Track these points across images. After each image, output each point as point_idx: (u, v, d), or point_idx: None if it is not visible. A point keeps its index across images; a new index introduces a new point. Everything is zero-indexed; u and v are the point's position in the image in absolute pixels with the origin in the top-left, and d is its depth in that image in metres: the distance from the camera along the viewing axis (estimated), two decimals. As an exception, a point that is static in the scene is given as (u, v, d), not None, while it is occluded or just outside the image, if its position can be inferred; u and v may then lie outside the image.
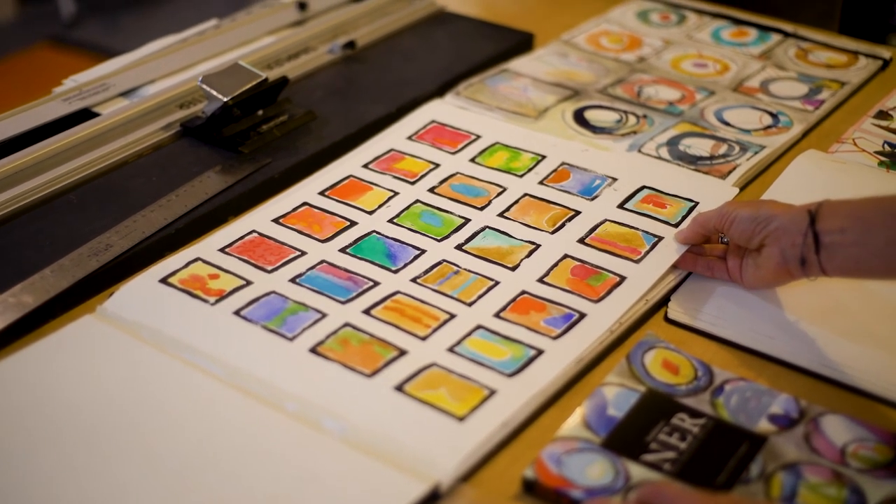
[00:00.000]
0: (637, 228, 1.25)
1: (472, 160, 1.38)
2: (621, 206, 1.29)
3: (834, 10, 1.99)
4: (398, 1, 1.82)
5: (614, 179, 1.33)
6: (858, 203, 1.05)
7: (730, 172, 1.36)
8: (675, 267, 1.19)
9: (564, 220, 1.26)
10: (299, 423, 0.99)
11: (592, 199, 1.30)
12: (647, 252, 1.21)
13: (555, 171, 1.36)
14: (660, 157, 1.40)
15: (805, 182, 1.34)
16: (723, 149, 1.42)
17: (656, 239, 1.23)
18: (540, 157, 1.38)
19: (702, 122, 1.49)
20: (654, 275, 1.17)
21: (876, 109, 1.52)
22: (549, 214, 1.27)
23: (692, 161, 1.39)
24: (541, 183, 1.34)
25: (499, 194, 1.32)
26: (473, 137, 1.43)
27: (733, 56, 1.69)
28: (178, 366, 1.05)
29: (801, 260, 1.06)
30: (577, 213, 1.28)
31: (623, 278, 1.17)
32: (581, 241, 1.23)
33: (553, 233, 1.24)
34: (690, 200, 1.29)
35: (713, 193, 1.30)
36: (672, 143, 1.43)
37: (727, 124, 1.49)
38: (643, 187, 1.32)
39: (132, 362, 1.06)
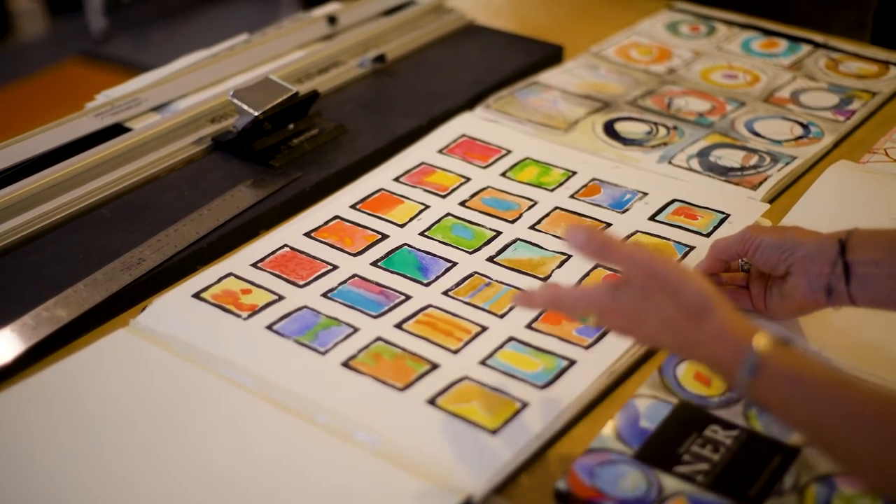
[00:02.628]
0: (669, 239, 1.25)
1: (503, 174, 1.39)
2: (652, 218, 1.29)
3: (866, 20, 1.98)
4: (428, 14, 1.83)
5: (645, 194, 1.33)
6: (892, 234, 1.02)
7: (761, 183, 1.36)
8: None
9: None
10: (332, 436, 0.99)
11: (623, 212, 1.30)
12: (680, 260, 1.21)
13: (585, 186, 1.36)
14: (690, 169, 1.40)
15: (836, 193, 1.33)
16: (754, 160, 1.42)
17: (688, 249, 1.23)
18: (570, 173, 1.38)
19: (732, 133, 1.49)
20: None
21: (908, 119, 1.52)
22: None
23: (723, 172, 1.39)
24: (572, 197, 1.34)
25: (529, 207, 1.32)
26: (504, 152, 1.43)
27: (763, 67, 1.69)
28: (210, 379, 1.06)
29: (827, 289, 1.03)
30: (609, 225, 1.28)
31: None
32: None
33: None
34: (721, 213, 1.29)
35: (743, 207, 1.30)
36: (703, 155, 1.43)
37: (758, 135, 1.49)
38: (674, 200, 1.32)
39: (165, 376, 1.07)
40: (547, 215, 1.30)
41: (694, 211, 1.30)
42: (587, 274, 1.20)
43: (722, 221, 1.27)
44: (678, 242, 1.24)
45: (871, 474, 0.86)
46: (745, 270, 1.15)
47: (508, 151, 1.43)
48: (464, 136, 1.47)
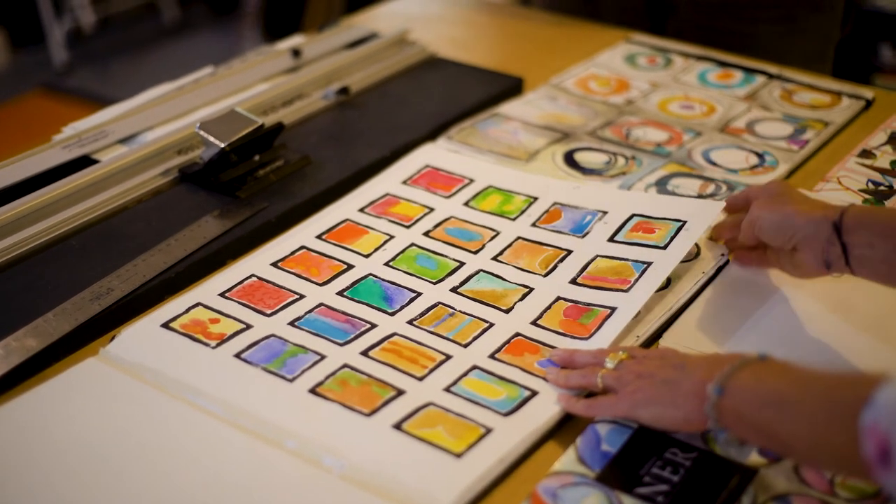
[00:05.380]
0: (627, 259, 1.27)
1: (466, 204, 1.41)
2: (611, 238, 1.31)
3: (826, 52, 2.02)
4: (390, 47, 1.85)
5: (605, 213, 1.36)
6: (883, 216, 1.11)
7: (717, 212, 1.39)
8: (661, 290, 1.22)
9: (556, 261, 1.29)
10: (300, 461, 1.00)
11: (584, 235, 1.32)
12: (637, 280, 1.23)
13: (546, 211, 1.38)
14: (649, 198, 1.43)
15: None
16: (710, 188, 1.45)
17: (645, 265, 1.25)
18: (532, 199, 1.41)
19: (689, 162, 1.52)
20: (643, 298, 1.20)
21: (859, 148, 1.55)
22: (542, 256, 1.30)
23: (681, 201, 1.42)
24: (533, 225, 1.36)
25: (492, 238, 1.34)
26: (467, 181, 1.45)
27: (719, 98, 1.72)
28: (180, 406, 1.07)
29: (827, 264, 1.13)
30: (569, 252, 1.30)
31: (613, 309, 1.19)
32: (573, 281, 1.25)
33: (546, 275, 1.26)
34: (678, 220, 1.31)
35: (700, 212, 1.32)
36: (661, 184, 1.46)
37: (714, 164, 1.52)
38: (632, 216, 1.34)
39: (135, 403, 1.08)
40: (509, 246, 1.33)
41: (651, 224, 1.32)
42: (548, 307, 1.22)
43: (679, 229, 1.29)
44: (636, 261, 1.26)
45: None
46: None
47: (471, 180, 1.46)
48: (427, 166, 1.49)
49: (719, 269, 1.29)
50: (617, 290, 1.22)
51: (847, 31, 2.05)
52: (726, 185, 1.45)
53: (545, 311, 1.21)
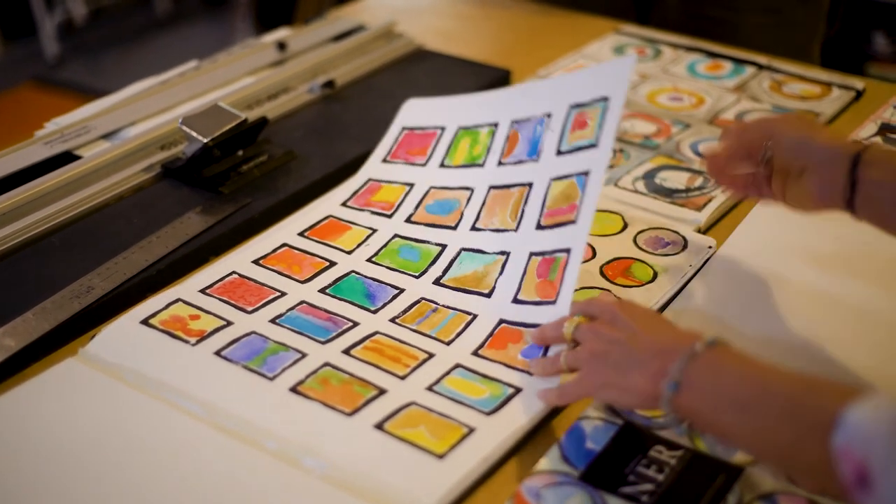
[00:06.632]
0: (571, 175, 1.23)
1: (442, 165, 1.40)
2: (559, 151, 1.27)
3: (811, 48, 2.01)
4: (377, 40, 1.84)
5: (549, 116, 1.32)
6: None
7: (705, 205, 1.38)
8: (648, 283, 1.21)
9: (522, 204, 1.27)
10: (280, 462, 0.99)
11: (538, 157, 1.29)
12: (581, 202, 1.19)
13: (507, 139, 1.36)
14: (636, 191, 1.42)
15: (780, 212, 1.35)
16: (698, 181, 1.44)
17: (585, 177, 1.21)
18: (493, 128, 1.39)
19: (677, 154, 1.51)
20: (587, 226, 1.16)
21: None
22: (511, 204, 1.28)
23: (668, 194, 1.41)
24: (500, 164, 1.34)
25: (468, 200, 1.33)
26: (439, 132, 1.44)
27: (708, 89, 1.71)
28: (159, 407, 1.06)
29: (831, 195, 1.09)
30: (530, 186, 1.28)
31: (569, 250, 1.17)
32: (539, 226, 1.23)
33: (517, 228, 1.25)
34: (604, 99, 1.25)
35: (613, 79, 1.26)
36: (648, 177, 1.45)
37: (702, 157, 1.50)
38: (570, 109, 1.29)
39: (114, 404, 1.07)
40: (484, 204, 1.31)
41: (585, 114, 1.26)
42: (524, 272, 1.20)
43: (605, 111, 1.23)
44: (579, 174, 1.22)
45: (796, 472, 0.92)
46: (767, 159, 1.17)
47: (443, 129, 1.44)
48: (404, 128, 1.48)
49: (705, 263, 1.28)
50: (568, 223, 1.19)
51: (835, 28, 2.04)
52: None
53: (522, 278, 1.20)
